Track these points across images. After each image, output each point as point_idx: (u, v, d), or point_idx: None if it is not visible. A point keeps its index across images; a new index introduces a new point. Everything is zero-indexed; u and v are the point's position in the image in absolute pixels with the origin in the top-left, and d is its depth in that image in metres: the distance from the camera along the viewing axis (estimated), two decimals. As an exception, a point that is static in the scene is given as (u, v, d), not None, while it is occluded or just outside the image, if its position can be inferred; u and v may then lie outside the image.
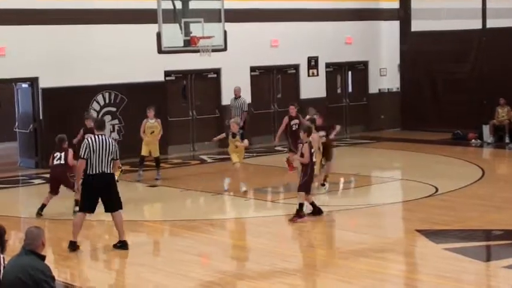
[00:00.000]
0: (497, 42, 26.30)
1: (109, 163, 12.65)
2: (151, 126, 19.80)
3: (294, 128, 19.18)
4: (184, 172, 21.31)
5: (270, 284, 11.14)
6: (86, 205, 12.82)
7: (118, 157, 12.94)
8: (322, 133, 17.79)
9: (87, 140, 12.75)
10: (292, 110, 19.69)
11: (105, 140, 12.71)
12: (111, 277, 12.05)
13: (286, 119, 19.54)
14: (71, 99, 22.15)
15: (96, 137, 12.79)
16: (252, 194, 17.87)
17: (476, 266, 12.05)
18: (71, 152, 15.85)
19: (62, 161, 15.71)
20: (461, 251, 12.61)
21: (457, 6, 27.97)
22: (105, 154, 12.60)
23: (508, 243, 13.20)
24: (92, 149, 12.56)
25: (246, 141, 18.17)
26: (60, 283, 10.98)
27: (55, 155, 15.88)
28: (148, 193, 18.59)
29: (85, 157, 12.58)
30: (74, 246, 12.78)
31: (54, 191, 15.78)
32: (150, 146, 19.68)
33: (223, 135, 18.59)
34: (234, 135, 17.81)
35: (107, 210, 12.96)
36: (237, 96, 23.03)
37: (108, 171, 12.68)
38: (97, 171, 12.60)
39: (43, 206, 15.69)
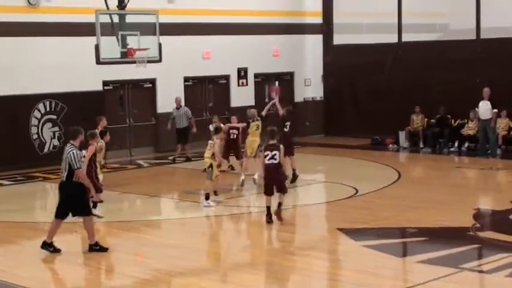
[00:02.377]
0: (411, 55, 26.68)
1: (65, 171, 12.36)
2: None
3: (231, 137, 19.71)
4: (121, 176, 21.08)
5: (201, 280, 11.07)
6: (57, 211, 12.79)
7: (77, 166, 12.30)
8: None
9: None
10: (234, 120, 20.16)
11: (65, 149, 12.55)
12: (47, 275, 11.81)
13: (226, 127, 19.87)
14: (13, 107, 21.78)
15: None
16: (186, 197, 17.79)
17: (393, 261, 12.18)
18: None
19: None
20: (379, 247, 12.73)
21: (375, 21, 28.32)
22: (63, 163, 12.46)
23: (421, 240, 13.37)
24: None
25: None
26: (3, 283, 10.76)
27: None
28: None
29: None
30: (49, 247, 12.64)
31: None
32: None
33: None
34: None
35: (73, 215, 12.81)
36: (178, 106, 23.16)
37: (64, 179, 12.45)
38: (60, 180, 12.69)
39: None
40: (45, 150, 22.60)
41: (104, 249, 12.55)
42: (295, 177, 18.43)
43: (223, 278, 11.17)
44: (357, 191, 17.56)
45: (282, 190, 14.35)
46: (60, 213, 12.66)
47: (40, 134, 22.59)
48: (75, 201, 12.51)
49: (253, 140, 18.97)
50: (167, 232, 14.85)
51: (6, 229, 14.74)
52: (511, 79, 23.79)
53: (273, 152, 14.17)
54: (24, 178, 20.69)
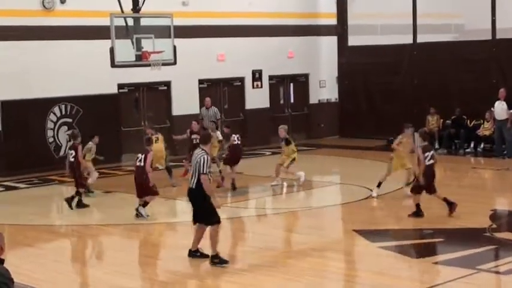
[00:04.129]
0: (426, 55, 26.62)
1: (194, 177, 11.83)
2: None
3: (194, 142, 19.40)
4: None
5: (219, 282, 11.11)
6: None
7: (204, 171, 11.72)
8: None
9: None
10: (195, 125, 20.31)
11: (195, 153, 12.19)
12: (68, 279, 11.87)
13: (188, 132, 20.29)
14: (29, 111, 21.93)
15: None
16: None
17: (410, 262, 12.19)
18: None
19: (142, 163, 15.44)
20: (396, 249, 12.74)
21: (390, 22, 28.29)
22: (192, 168, 12.16)
23: (438, 241, 13.36)
24: None
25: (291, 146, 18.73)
26: (20, 285, 10.82)
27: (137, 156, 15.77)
28: (104, 199, 18.39)
29: None
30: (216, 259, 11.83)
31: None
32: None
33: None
34: (282, 140, 18.66)
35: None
36: (208, 107, 22.80)
37: (193, 186, 11.88)
38: None
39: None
40: (61, 153, 22.71)
41: (224, 262, 11.72)
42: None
43: (239, 280, 11.19)
44: (372, 192, 17.53)
45: None
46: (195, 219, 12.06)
47: (56, 137, 22.72)
48: (200, 208, 11.88)
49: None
50: (183, 234, 14.88)
51: (24, 232, 14.83)
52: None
53: None
54: (40, 181, 20.81)
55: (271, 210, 16.70)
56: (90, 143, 18.33)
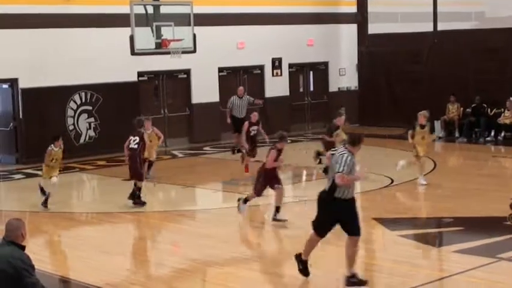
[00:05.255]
0: (447, 43, 26.47)
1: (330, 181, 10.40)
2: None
3: (252, 134, 19.32)
4: (157, 167, 21.18)
5: (237, 269, 11.15)
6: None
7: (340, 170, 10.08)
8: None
9: None
10: (254, 116, 19.63)
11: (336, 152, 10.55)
12: (84, 265, 11.93)
13: (246, 125, 19.46)
14: (49, 98, 22.02)
15: None
16: (221, 187, 17.88)
17: (429, 251, 12.18)
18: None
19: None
20: (415, 237, 12.73)
21: (410, 10, 28.15)
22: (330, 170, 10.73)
23: (457, 230, 13.32)
24: None
25: (433, 135, 18.36)
26: (41, 272, 10.91)
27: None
28: (123, 187, 18.45)
29: None
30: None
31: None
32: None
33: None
34: (422, 127, 17.28)
35: None
36: (241, 96, 22.34)
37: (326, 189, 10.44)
38: None
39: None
40: (81, 141, 22.83)
41: (363, 283, 10.20)
42: None
43: (259, 268, 11.22)
44: (392, 180, 17.52)
45: None
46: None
47: (76, 125, 22.81)
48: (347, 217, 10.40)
49: None
50: (203, 222, 14.95)
51: (44, 219, 14.94)
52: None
53: None
54: (60, 169, 20.86)
55: (291, 198, 16.69)
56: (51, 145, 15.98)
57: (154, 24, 20.01)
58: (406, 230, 13.13)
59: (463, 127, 24.65)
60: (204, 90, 25.24)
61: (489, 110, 24.41)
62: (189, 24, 20.80)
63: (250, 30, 26.21)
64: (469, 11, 28.09)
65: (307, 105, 28.55)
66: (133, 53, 20.20)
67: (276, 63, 27.35)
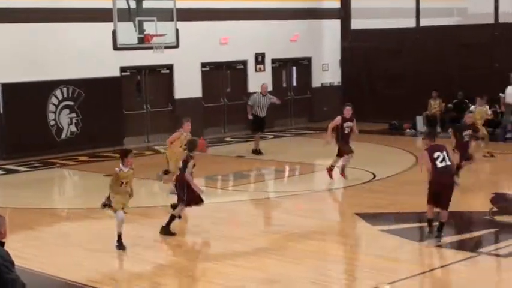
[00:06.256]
0: (429, 39, 26.58)
1: None
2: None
3: (346, 131, 17.06)
4: (139, 162, 21.14)
5: (221, 265, 11.15)
6: None
7: None
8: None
9: None
10: (348, 111, 17.21)
11: None
12: (70, 263, 11.89)
13: (338, 120, 17.04)
14: (31, 94, 21.90)
15: None
16: (204, 182, 17.88)
17: (411, 245, 12.22)
18: None
19: None
20: (397, 232, 12.77)
21: (393, 5, 28.20)
22: None
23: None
24: None
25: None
26: (21, 268, 10.87)
27: None
28: (105, 182, 18.35)
29: None
30: None
31: None
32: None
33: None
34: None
35: None
36: (264, 94, 21.76)
37: None
38: None
39: None
40: (63, 136, 22.74)
41: None
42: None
43: (240, 263, 11.23)
44: (374, 175, 17.59)
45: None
46: None
47: (57, 120, 22.71)
48: None
49: None
50: (186, 217, 14.92)
51: (25, 215, 14.89)
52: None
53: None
54: (41, 164, 20.83)
55: (274, 193, 16.73)
56: None
57: (137, 19, 19.98)
58: (388, 225, 13.18)
59: (445, 122, 24.77)
60: (187, 85, 25.22)
61: (471, 105, 24.51)
62: (172, 19, 20.79)
63: (233, 26, 26.19)
64: (452, 7, 28.15)
65: (290, 101, 28.57)
66: (115, 48, 20.16)
67: (259, 59, 27.36)
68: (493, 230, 12.89)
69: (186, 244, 12.28)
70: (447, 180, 12.00)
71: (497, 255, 11.38)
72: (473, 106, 21.10)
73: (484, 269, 10.77)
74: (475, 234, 12.47)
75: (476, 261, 10.96)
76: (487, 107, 20.93)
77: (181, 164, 12.93)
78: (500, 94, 23.05)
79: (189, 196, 12.75)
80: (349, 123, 17.05)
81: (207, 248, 11.98)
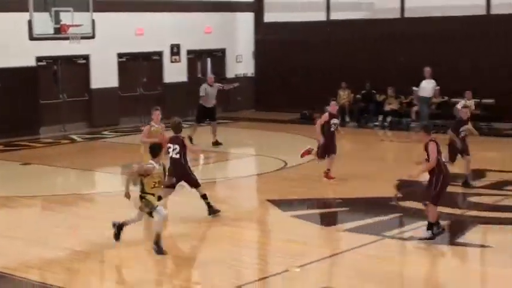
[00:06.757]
0: (339, 32, 26.95)
1: None
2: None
3: (332, 129, 15.94)
4: (55, 151, 20.89)
5: (131, 252, 11.13)
6: None
7: None
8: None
9: None
10: (334, 107, 16.16)
11: None
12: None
13: (326, 116, 15.85)
14: None
15: None
16: (119, 170, 17.78)
17: (321, 230, 12.47)
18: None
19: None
20: (307, 217, 12.99)
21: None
22: None
23: (347, 210, 13.67)
24: None
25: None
26: None
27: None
28: (22, 170, 18.12)
29: None
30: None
31: None
32: None
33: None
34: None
35: None
36: (211, 84, 21.31)
37: None
38: None
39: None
40: (-21, 127, 22.21)
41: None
42: None
43: (156, 248, 11.22)
44: (286, 163, 17.78)
45: None
46: None
47: (-27, 110, 22.14)
48: None
49: None
50: (101, 205, 14.83)
51: None
52: (432, 58, 24.17)
53: None
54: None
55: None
56: None
57: (53, 9, 19.68)
58: (299, 211, 13.38)
59: (353, 112, 25.24)
60: (103, 75, 24.94)
61: (378, 96, 25.10)
62: (88, 10, 20.54)
63: (149, 17, 26.01)
64: (360, 2, 28.62)
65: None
66: (31, 38, 19.78)
67: (175, 50, 27.26)
68: (397, 215, 13.24)
69: (101, 231, 12.13)
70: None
71: (401, 239, 11.70)
72: (463, 100, 21.31)
73: (388, 251, 11.07)
74: (380, 219, 12.77)
75: (381, 244, 11.24)
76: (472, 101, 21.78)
77: (176, 147, 12.65)
78: (414, 88, 23.58)
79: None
80: (335, 120, 15.91)
81: (124, 234, 11.91)
